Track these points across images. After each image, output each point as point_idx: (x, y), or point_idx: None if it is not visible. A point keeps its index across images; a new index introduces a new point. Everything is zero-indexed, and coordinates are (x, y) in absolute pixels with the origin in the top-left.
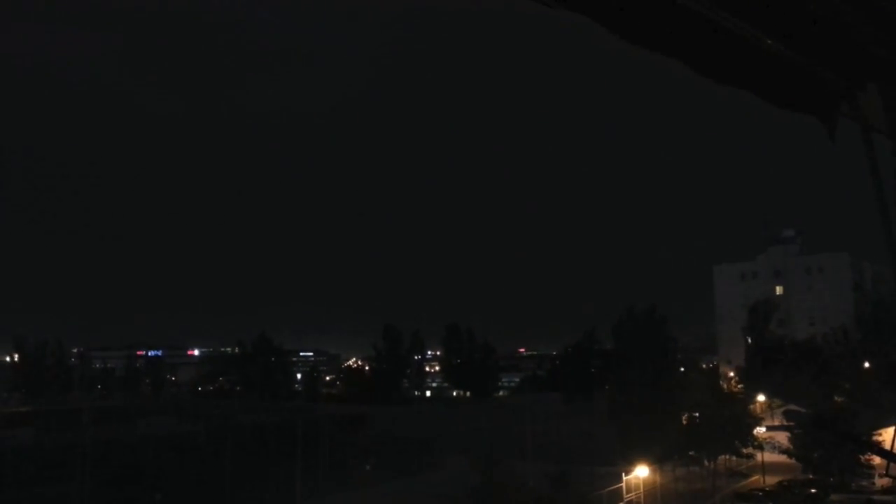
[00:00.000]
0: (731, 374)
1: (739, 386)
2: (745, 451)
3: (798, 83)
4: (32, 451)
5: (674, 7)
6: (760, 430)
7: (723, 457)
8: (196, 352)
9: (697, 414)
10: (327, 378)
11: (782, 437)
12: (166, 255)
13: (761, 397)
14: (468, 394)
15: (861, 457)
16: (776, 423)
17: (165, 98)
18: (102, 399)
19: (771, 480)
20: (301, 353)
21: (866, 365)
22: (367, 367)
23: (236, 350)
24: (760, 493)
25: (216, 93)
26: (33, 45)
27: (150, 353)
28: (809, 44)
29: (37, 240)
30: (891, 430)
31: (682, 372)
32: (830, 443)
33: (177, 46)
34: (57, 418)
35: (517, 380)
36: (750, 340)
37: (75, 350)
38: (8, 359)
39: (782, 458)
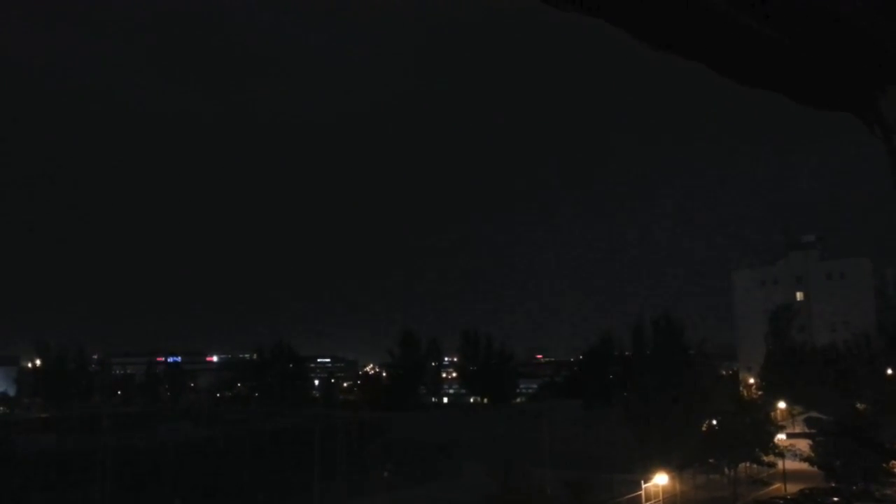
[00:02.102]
0: (752, 380)
1: (760, 393)
2: (765, 458)
3: (819, 84)
4: (54, 456)
5: (693, 9)
6: (781, 438)
7: (743, 464)
8: (215, 358)
9: (717, 421)
10: (345, 384)
11: (803, 445)
12: (186, 261)
13: (782, 404)
14: (485, 400)
15: (884, 465)
16: (797, 430)
17: (180, 102)
18: (123, 405)
19: (792, 489)
20: (319, 360)
21: (889, 372)
22: (384, 374)
23: (255, 356)
24: (781, 502)
25: (232, 97)
26: (38, 49)
27: (169, 360)
28: (828, 45)
29: (58, 247)
30: None
31: (702, 379)
32: (853, 451)
33: (199, 51)
34: (78, 424)
35: (535, 386)
36: (770, 347)
37: (96, 356)
38: (30, 365)
39: (804, 466)
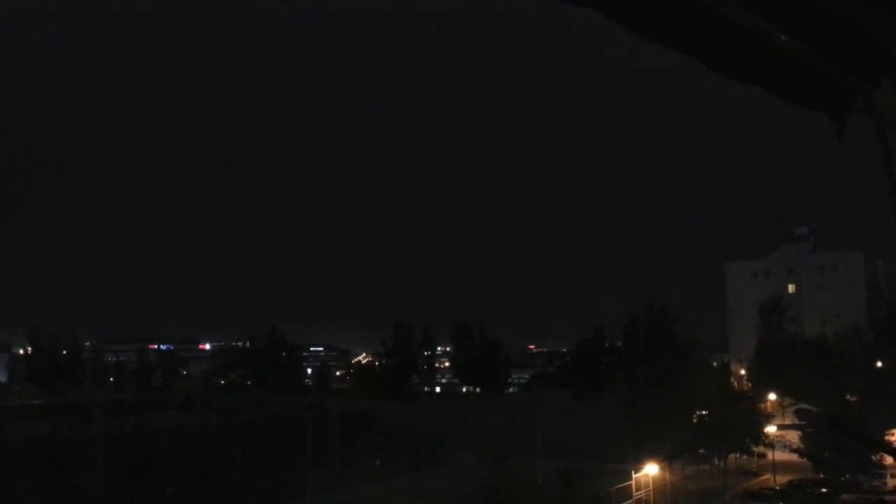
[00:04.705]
0: (743, 372)
1: (750, 384)
2: (755, 449)
3: (811, 79)
4: (46, 443)
5: (685, 2)
6: (771, 429)
7: (733, 455)
8: (207, 346)
9: (708, 412)
10: (337, 373)
11: (793, 436)
12: (179, 249)
13: (772, 396)
14: (478, 390)
15: (873, 456)
16: (787, 421)
17: (175, 91)
18: (115, 392)
19: (782, 479)
20: (311, 348)
21: (879, 364)
22: (376, 363)
23: (247, 345)
24: (771, 492)
25: (223, 85)
26: (51, 41)
27: (161, 347)
28: (823, 39)
29: (51, 234)
30: None
31: (693, 370)
32: (842, 442)
33: (190, 40)
34: (70, 411)
35: (527, 376)
36: (762, 339)
37: (88, 343)
38: (22, 351)
39: (793, 457)
